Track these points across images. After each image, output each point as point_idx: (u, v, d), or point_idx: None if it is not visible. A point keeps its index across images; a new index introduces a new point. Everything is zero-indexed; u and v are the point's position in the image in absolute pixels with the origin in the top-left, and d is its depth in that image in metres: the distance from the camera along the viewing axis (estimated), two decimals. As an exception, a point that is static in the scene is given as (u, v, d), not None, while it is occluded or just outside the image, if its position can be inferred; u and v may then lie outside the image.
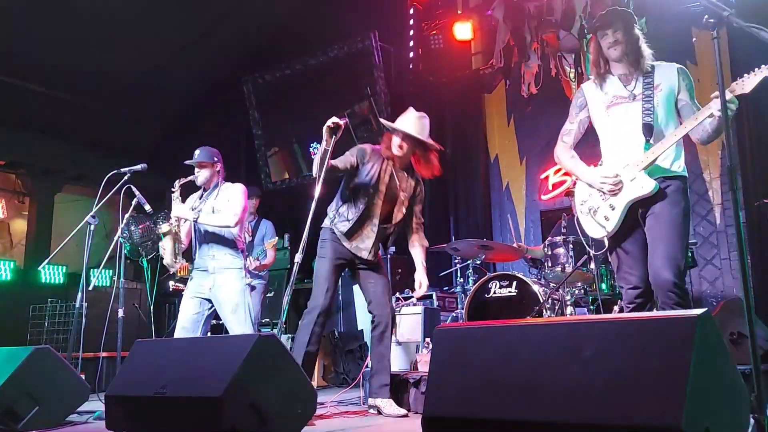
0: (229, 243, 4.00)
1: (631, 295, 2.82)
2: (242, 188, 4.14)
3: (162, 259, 4.06)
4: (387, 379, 3.60)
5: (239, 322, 3.90)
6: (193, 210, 4.01)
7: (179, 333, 3.92)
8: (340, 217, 3.59)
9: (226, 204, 3.99)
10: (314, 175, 3.38)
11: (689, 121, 2.65)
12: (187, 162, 4.12)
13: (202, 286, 3.95)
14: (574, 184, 3.05)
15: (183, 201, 4.08)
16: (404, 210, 3.65)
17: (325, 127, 3.30)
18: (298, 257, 3.17)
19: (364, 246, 3.57)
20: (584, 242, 3.01)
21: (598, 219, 2.85)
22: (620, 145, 2.83)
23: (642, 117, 2.75)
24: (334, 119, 3.28)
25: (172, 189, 4.05)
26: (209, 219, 3.95)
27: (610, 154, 2.90)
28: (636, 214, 2.78)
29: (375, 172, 3.55)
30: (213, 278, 3.93)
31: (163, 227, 3.97)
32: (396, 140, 3.57)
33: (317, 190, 3.29)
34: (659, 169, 2.74)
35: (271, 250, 5.46)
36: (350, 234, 3.55)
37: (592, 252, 3.05)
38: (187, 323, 3.92)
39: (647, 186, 2.70)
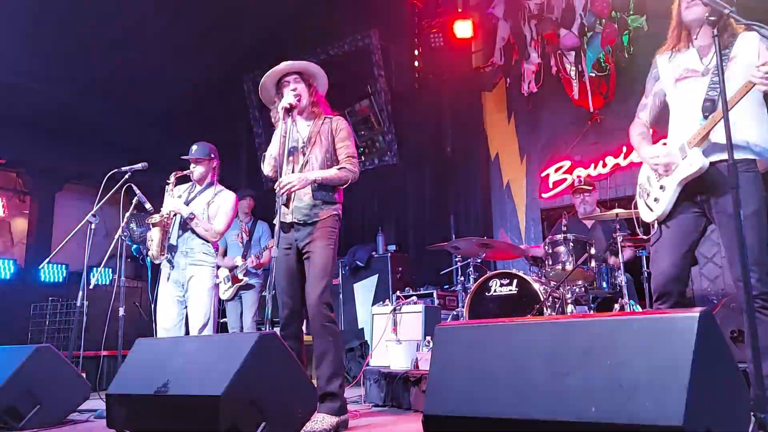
0: (206, 239, 4.05)
1: (657, 283, 2.63)
2: (234, 202, 4.17)
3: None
4: (323, 389, 3.09)
5: (199, 319, 3.91)
6: (186, 204, 4.05)
7: (161, 335, 3.92)
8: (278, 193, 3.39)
9: (215, 212, 4.07)
10: (271, 161, 3.37)
11: (740, 90, 2.38)
12: (183, 156, 4.14)
13: (177, 284, 3.97)
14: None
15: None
16: (313, 149, 3.41)
17: (281, 108, 3.26)
18: (274, 252, 3.17)
19: (301, 204, 3.33)
20: (638, 228, 2.83)
21: (649, 202, 2.71)
22: (681, 121, 2.67)
23: (707, 92, 2.55)
24: (290, 100, 3.27)
25: (168, 181, 4.08)
26: (199, 223, 3.99)
27: (673, 130, 2.74)
28: (692, 198, 2.60)
29: (281, 136, 3.35)
30: (185, 273, 3.96)
31: (155, 217, 3.97)
32: (288, 93, 3.37)
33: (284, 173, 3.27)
34: (719, 146, 2.46)
35: (267, 251, 5.48)
36: (289, 201, 3.35)
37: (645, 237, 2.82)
38: (169, 325, 3.94)
39: (695, 163, 2.50)
